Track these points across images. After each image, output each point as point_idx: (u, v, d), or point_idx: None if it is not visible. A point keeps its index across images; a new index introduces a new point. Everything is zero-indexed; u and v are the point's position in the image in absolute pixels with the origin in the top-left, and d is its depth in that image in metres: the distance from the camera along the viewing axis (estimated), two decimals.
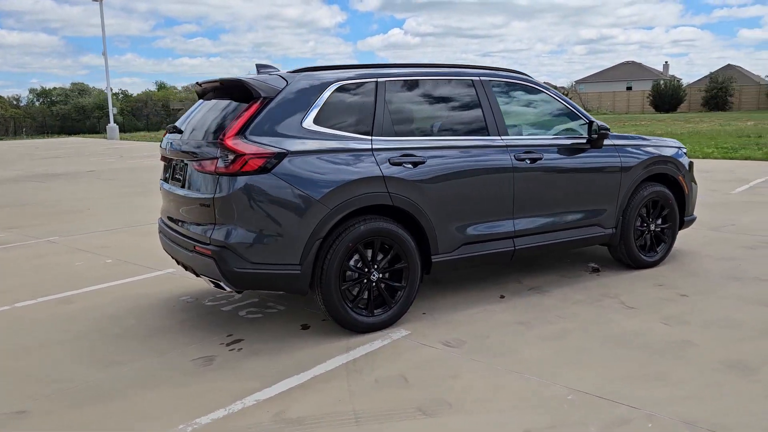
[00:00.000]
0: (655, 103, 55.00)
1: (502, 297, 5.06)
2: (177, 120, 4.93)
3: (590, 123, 5.28)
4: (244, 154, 3.89)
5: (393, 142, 4.36)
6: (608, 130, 5.26)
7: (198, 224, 4.18)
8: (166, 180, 4.83)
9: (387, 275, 4.35)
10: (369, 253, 4.27)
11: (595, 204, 5.36)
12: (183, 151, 4.39)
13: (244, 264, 3.95)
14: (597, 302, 4.88)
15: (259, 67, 4.77)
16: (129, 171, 16.99)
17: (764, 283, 5.22)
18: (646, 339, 4.11)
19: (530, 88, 5.27)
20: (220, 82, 4.45)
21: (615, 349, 3.97)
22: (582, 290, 5.19)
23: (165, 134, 5.08)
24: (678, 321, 4.41)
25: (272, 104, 4.06)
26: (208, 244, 4.05)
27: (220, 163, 3.94)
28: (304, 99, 4.18)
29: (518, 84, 5.19)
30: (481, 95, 4.86)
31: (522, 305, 4.85)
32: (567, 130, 5.37)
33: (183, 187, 4.39)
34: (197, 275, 4.37)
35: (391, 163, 4.29)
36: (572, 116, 5.41)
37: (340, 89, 4.31)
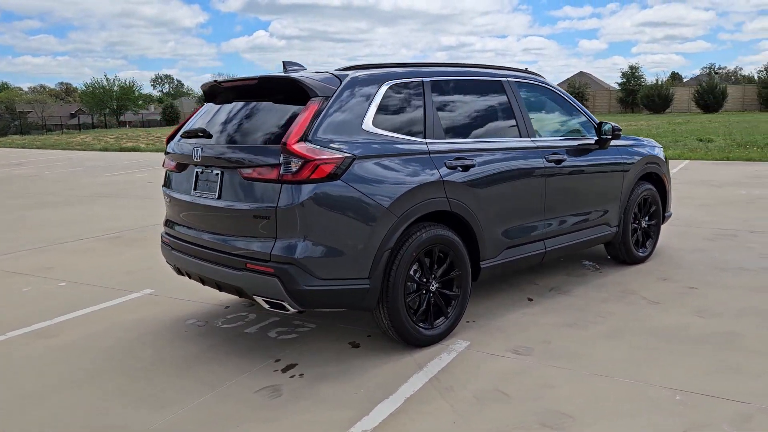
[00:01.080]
0: None
1: (530, 300, 5.03)
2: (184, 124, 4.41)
3: (600, 124, 5.40)
4: (313, 160, 3.52)
5: (444, 145, 4.17)
6: (620, 131, 5.40)
7: (249, 238, 3.73)
8: (181, 189, 4.28)
9: (442, 284, 4.16)
10: (428, 262, 4.05)
11: (605, 203, 5.49)
12: (221, 157, 3.90)
13: (312, 281, 3.59)
14: (622, 299, 4.98)
15: (286, 64, 4.38)
16: (6, 181, 15.18)
17: (753, 272, 5.61)
18: (695, 332, 4.25)
19: (545, 89, 5.29)
20: (258, 80, 4.01)
21: (675, 345, 4.06)
22: (600, 288, 5.29)
23: (170, 139, 4.53)
24: (710, 313, 4.61)
25: (331, 105, 3.73)
26: (267, 261, 3.63)
27: (285, 170, 3.54)
28: (361, 99, 3.88)
29: (536, 85, 5.19)
30: (511, 97, 4.81)
31: (555, 307, 4.84)
32: (575, 131, 5.46)
33: (219, 197, 3.91)
34: (241, 295, 3.92)
35: (447, 167, 4.11)
36: (579, 117, 5.51)
37: (392, 88, 4.05)
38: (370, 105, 3.90)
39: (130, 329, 4.62)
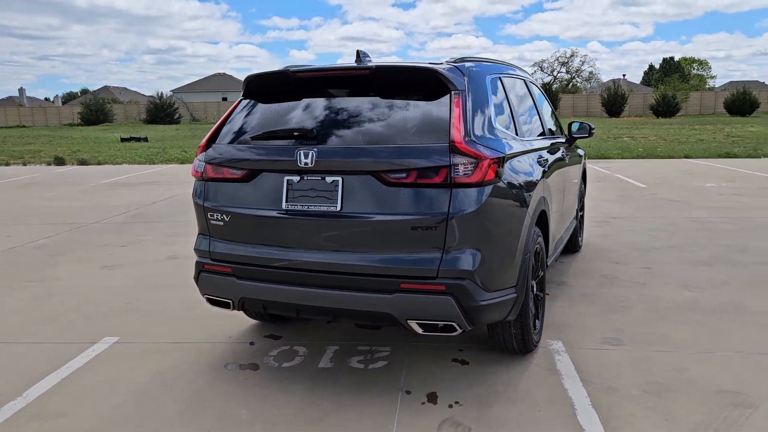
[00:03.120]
0: None
1: (548, 294, 5.16)
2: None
3: (571, 123, 5.75)
4: (484, 160, 3.14)
5: (526, 143, 4.06)
6: (593, 128, 5.81)
7: (402, 254, 3.16)
8: (255, 202, 3.43)
9: (538, 287, 4.05)
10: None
11: (575, 197, 5.88)
12: (348, 161, 3.22)
13: (484, 295, 3.20)
14: (617, 285, 5.41)
15: (360, 54, 3.80)
16: None
17: (663, 267, 6.56)
18: (715, 307, 4.81)
19: (536, 87, 5.44)
20: (371, 71, 3.42)
21: (723, 319, 4.52)
22: (587, 278, 5.65)
23: (209, 143, 3.62)
24: (698, 287, 5.27)
25: (470, 101, 3.36)
26: (434, 278, 3.12)
27: (456, 173, 3.09)
28: (485, 95, 3.58)
29: (534, 84, 5.31)
30: (533, 94, 4.88)
31: (582, 298, 5.04)
32: (557, 127, 5.72)
33: (342, 208, 3.23)
34: (375, 322, 3.33)
35: (539, 165, 4.02)
36: (552, 113, 5.79)
37: (493, 83, 3.81)
38: (490, 101, 3.62)
39: (164, 390, 3.55)
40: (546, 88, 59.04)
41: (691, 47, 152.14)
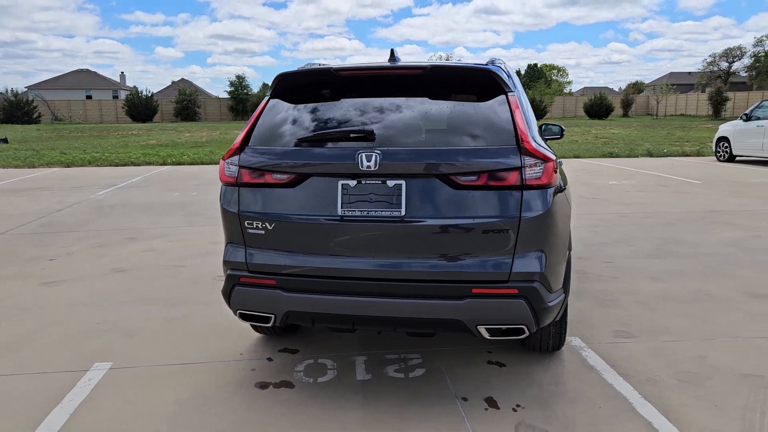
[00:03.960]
0: (131, 113, 55.18)
1: None
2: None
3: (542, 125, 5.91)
4: (550, 161, 3.14)
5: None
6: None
7: (473, 258, 3.07)
8: (303, 208, 3.20)
9: None
10: None
11: None
12: (413, 164, 3.08)
13: (550, 296, 3.20)
14: (592, 279, 5.65)
15: (394, 53, 3.66)
16: None
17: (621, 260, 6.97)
18: (688, 296, 5.17)
19: None
20: (425, 70, 3.30)
21: (703, 308, 4.88)
22: None
23: (242, 146, 3.35)
24: (663, 279, 5.64)
25: (521, 102, 3.36)
26: (506, 282, 3.08)
27: (528, 174, 3.07)
28: (525, 97, 3.59)
29: None
30: None
31: (570, 294, 5.19)
32: None
33: (406, 213, 3.09)
34: (440, 330, 3.21)
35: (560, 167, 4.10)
36: None
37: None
38: (527, 102, 3.64)
39: (201, 416, 3.22)
40: None
41: (547, 55, 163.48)
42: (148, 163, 17.61)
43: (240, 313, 3.39)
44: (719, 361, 3.84)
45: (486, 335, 3.16)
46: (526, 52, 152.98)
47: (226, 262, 3.40)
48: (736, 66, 71.14)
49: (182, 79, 75.00)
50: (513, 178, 3.06)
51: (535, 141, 3.17)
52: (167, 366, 3.85)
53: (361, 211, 3.13)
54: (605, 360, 3.86)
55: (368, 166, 3.08)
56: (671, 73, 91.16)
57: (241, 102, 58.31)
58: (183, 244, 7.29)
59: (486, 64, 3.41)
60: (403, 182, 3.10)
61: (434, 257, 3.10)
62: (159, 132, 35.26)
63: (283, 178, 3.24)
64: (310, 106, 3.44)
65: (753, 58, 68.02)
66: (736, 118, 25.12)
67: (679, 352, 3.97)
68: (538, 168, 3.09)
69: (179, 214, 9.35)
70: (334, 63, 3.68)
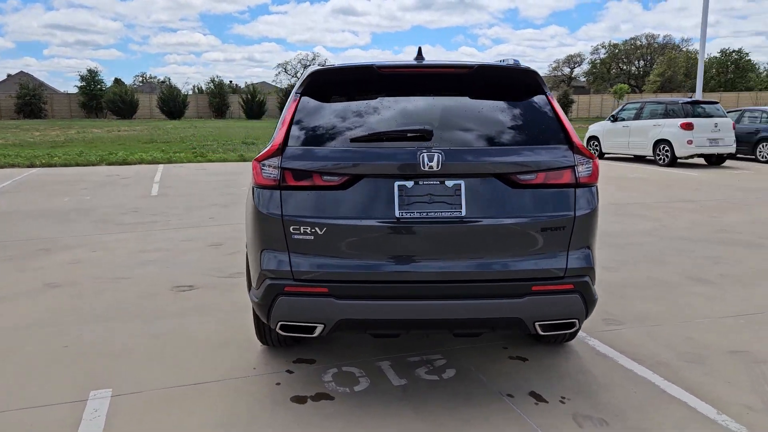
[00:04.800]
0: None
1: None
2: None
3: None
4: (595, 159, 3.27)
5: None
6: None
7: (533, 256, 3.11)
8: (356, 211, 3.05)
9: None
10: None
11: None
12: (472, 163, 3.05)
13: (594, 289, 3.32)
14: None
15: (421, 51, 3.59)
16: None
17: None
18: (643, 283, 5.59)
19: None
20: (473, 69, 3.27)
21: (661, 293, 5.29)
22: None
23: (283, 147, 3.15)
24: (612, 268, 6.05)
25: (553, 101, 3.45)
26: (562, 278, 3.15)
27: (581, 172, 3.16)
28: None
29: None
30: None
31: None
32: None
33: (466, 213, 3.06)
34: (495, 329, 3.21)
35: None
36: None
37: None
38: None
39: None
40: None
41: (404, 57, 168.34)
42: (12, 165, 15.83)
43: (282, 324, 3.17)
44: (705, 341, 4.19)
45: (539, 331, 3.21)
46: (384, 53, 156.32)
47: (266, 271, 3.16)
48: (576, 71, 77.94)
49: (21, 72, 68.09)
50: (567, 176, 3.14)
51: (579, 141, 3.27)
52: (178, 388, 3.51)
53: (419, 212, 3.06)
54: (612, 347, 4.07)
55: (430, 166, 3.01)
56: None
57: (94, 98, 54.12)
58: (111, 254, 6.66)
59: (522, 65, 3.46)
60: (462, 182, 3.07)
61: (494, 257, 3.10)
62: (2, 130, 31.76)
63: (334, 180, 3.08)
64: (353, 104, 3.30)
65: (591, 65, 74.92)
66: (580, 120, 27.49)
67: (668, 335, 4.29)
68: (589, 166, 3.19)
69: (85, 221, 8.52)
70: (364, 60, 3.55)
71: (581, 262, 3.19)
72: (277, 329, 3.20)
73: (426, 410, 3.25)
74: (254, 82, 70.52)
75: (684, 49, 71.59)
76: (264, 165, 3.16)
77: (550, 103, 3.32)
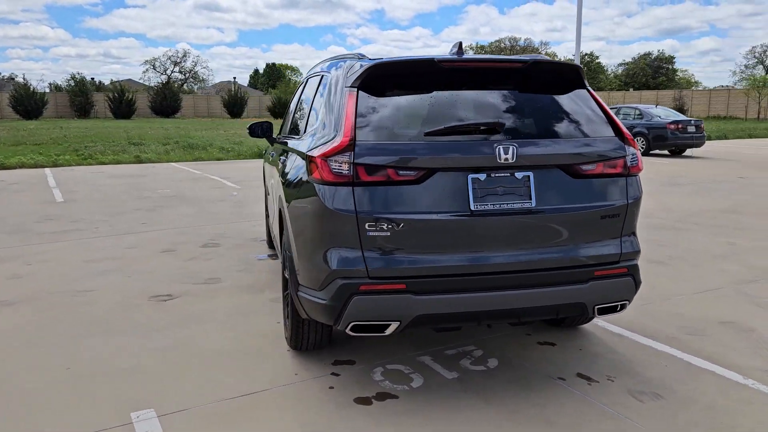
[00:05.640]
0: None
1: None
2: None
3: None
4: (638, 150, 3.48)
5: None
6: None
7: (594, 242, 3.25)
8: (431, 205, 3.02)
9: None
10: None
11: None
12: (542, 155, 3.12)
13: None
14: None
15: (461, 46, 3.60)
16: None
17: None
18: None
19: None
20: (526, 64, 3.34)
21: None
22: None
23: (353, 142, 3.07)
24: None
25: None
26: (617, 262, 3.32)
27: (631, 162, 3.35)
28: None
29: None
30: None
31: None
32: None
33: (537, 203, 3.13)
34: (560, 315, 3.30)
35: None
36: None
37: None
38: None
39: None
40: (168, 89, 57.40)
41: (272, 55, 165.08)
42: None
43: (354, 324, 3.08)
44: (693, 315, 4.57)
45: (595, 314, 3.37)
46: (252, 51, 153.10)
47: (336, 270, 3.04)
48: None
49: None
50: (620, 166, 3.32)
51: None
52: (227, 401, 3.28)
53: (492, 204, 3.09)
54: (623, 327, 4.33)
55: (506, 158, 3.06)
56: None
57: None
58: (52, 265, 6.04)
59: (568, 61, 3.59)
60: (531, 173, 3.15)
61: (561, 245, 3.21)
62: None
63: (410, 174, 3.03)
64: (416, 97, 3.26)
65: None
66: None
67: (659, 312, 4.63)
68: (636, 156, 3.39)
69: (1, 232, 7.65)
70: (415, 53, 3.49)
71: (632, 247, 3.38)
72: (348, 330, 3.10)
73: (495, 400, 3.29)
74: (115, 79, 66.48)
75: (543, 53, 76.74)
76: (331, 160, 3.04)
77: (593, 96, 3.48)
